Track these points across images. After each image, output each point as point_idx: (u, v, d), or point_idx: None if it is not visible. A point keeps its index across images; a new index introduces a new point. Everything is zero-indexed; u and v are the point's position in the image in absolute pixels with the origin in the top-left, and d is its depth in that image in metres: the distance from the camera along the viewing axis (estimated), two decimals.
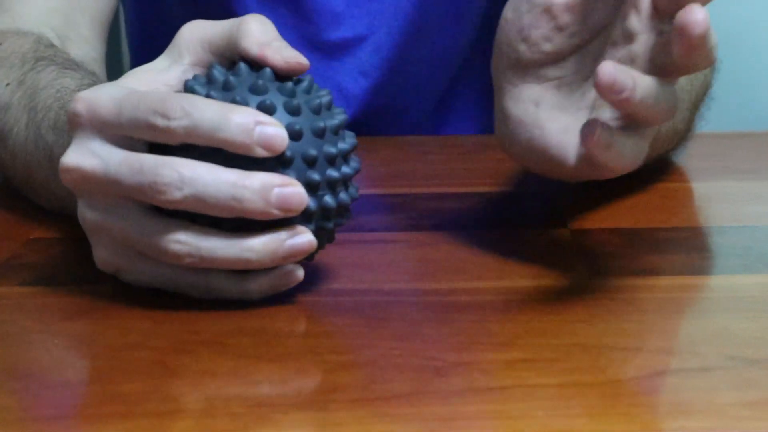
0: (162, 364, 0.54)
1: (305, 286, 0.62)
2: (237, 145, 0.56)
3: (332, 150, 0.59)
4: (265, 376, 0.52)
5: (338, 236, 0.72)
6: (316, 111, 0.60)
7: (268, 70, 0.60)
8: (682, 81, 0.78)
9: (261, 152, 0.56)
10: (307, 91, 0.60)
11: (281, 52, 0.60)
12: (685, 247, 0.70)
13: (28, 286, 0.64)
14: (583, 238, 0.69)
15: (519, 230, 0.70)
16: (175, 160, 0.56)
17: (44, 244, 0.72)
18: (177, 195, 0.56)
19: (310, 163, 0.58)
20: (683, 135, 0.83)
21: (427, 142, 0.98)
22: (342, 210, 0.61)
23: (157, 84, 0.61)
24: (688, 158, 0.85)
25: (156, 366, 0.54)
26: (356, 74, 1.03)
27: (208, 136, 0.56)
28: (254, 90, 0.59)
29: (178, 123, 0.56)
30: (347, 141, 0.61)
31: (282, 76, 0.60)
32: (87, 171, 0.58)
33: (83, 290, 0.62)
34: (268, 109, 0.58)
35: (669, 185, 0.81)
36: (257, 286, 0.59)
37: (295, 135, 0.58)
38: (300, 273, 0.59)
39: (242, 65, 0.60)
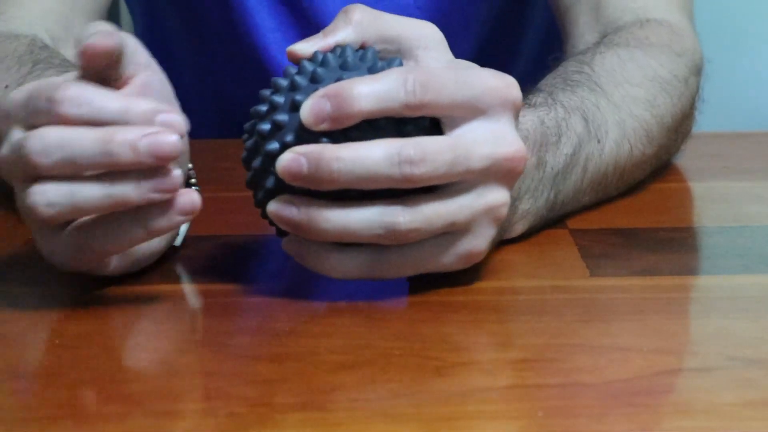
0: (162, 364, 0.54)
1: (305, 286, 0.62)
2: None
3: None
4: (265, 376, 0.52)
5: None
6: None
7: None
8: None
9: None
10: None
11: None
12: (685, 247, 0.70)
13: (29, 286, 0.64)
14: (583, 238, 0.69)
15: None
16: (42, 131, 0.56)
17: None
18: (45, 161, 0.55)
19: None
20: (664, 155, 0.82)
21: None
22: None
23: None
24: (687, 158, 0.85)
25: (156, 366, 0.54)
26: None
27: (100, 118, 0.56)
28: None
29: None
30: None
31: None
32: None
33: (83, 290, 0.62)
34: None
35: (668, 185, 0.81)
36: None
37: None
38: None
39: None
